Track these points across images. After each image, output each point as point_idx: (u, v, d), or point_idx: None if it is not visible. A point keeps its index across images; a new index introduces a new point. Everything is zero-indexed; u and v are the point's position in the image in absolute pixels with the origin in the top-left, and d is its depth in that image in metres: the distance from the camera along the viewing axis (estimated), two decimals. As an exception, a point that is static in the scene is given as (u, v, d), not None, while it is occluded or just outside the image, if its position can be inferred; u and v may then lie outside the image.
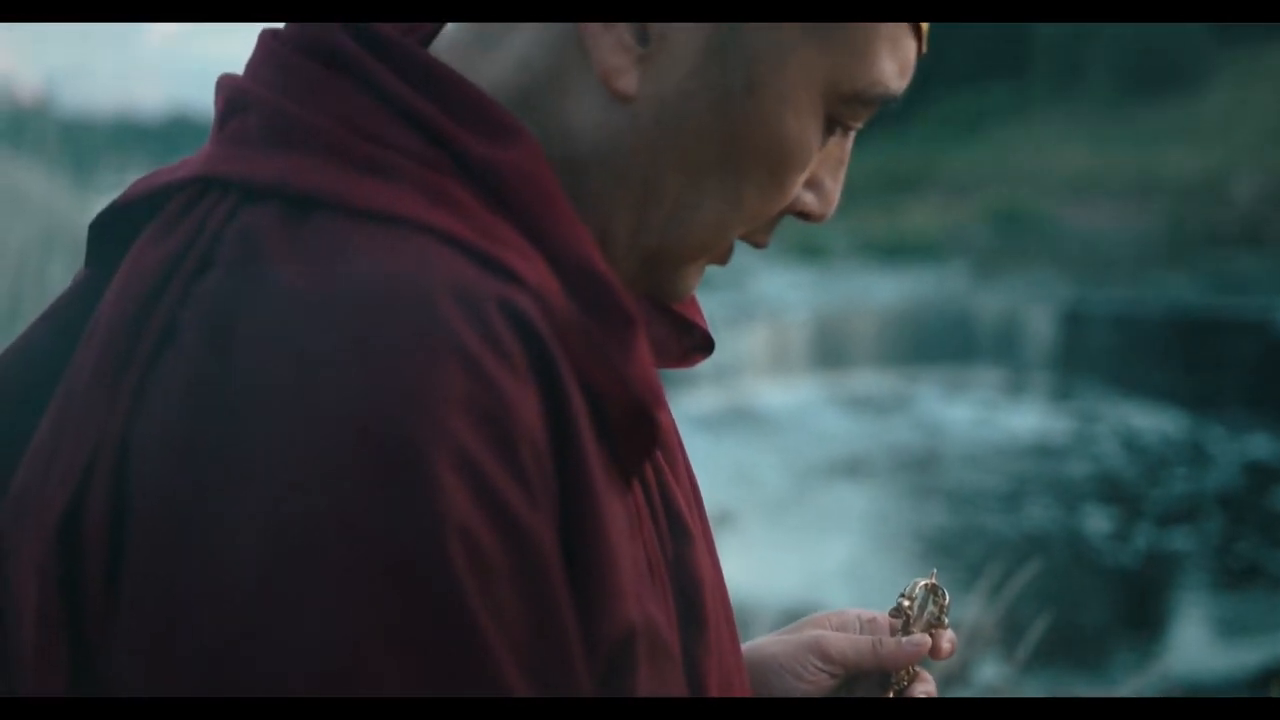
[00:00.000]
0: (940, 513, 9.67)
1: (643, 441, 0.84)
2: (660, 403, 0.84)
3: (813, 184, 0.93)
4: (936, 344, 17.19)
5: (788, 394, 13.30)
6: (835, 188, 0.94)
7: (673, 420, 1.02)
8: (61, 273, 4.81)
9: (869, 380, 14.21)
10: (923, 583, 1.13)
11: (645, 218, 0.89)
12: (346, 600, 0.71)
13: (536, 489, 0.75)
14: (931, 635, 1.11)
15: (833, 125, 0.90)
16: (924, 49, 0.92)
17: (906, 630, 1.12)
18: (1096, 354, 17.19)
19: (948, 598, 1.13)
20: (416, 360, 0.73)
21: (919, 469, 10.77)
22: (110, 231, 0.87)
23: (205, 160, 0.84)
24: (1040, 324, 18.78)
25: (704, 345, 1.02)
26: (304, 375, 0.72)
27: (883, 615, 1.13)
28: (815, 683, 1.09)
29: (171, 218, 0.82)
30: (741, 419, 12.10)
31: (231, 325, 0.75)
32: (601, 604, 0.78)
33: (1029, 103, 38.06)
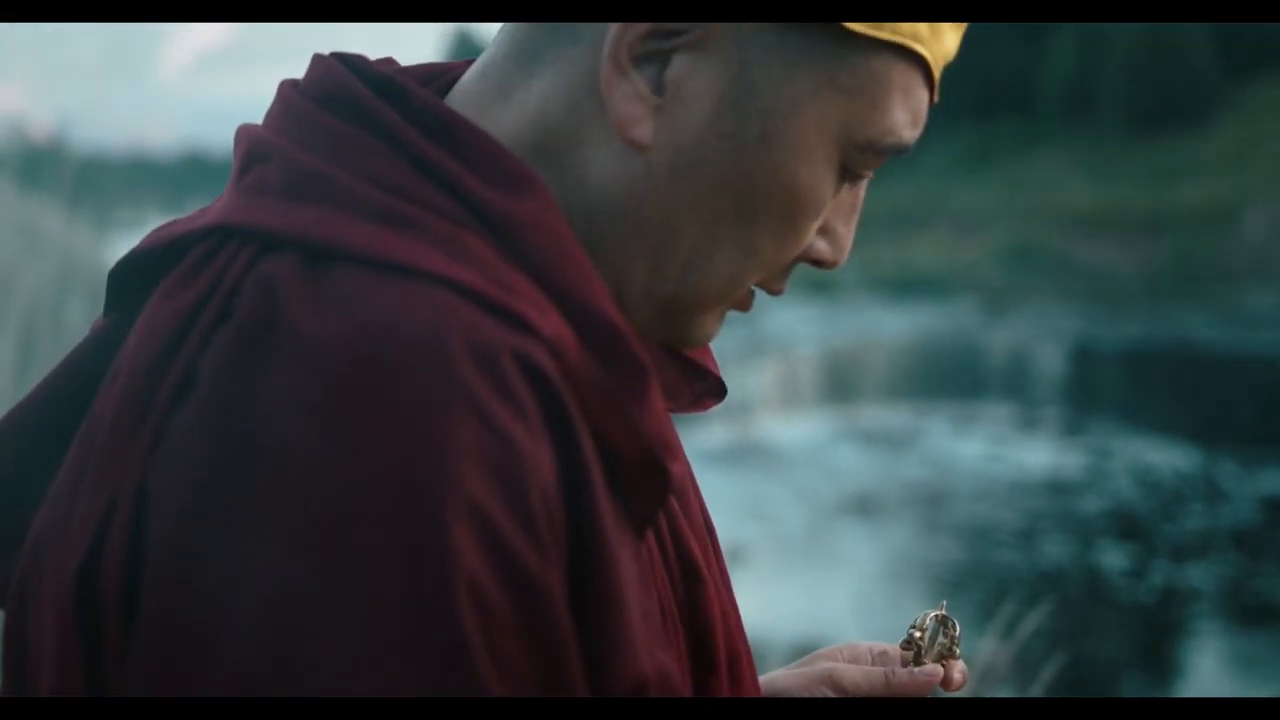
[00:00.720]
0: (952, 548, 9.64)
1: (655, 492, 0.84)
2: (672, 454, 0.85)
3: (826, 231, 0.93)
4: (946, 379, 17.17)
5: (798, 429, 13.29)
6: (848, 234, 0.95)
7: (687, 463, 1.03)
8: (78, 310, 4.82)
9: (879, 415, 14.19)
10: (933, 614, 1.13)
11: (661, 266, 0.89)
12: (354, 648, 0.72)
13: (546, 541, 0.75)
14: (943, 666, 1.12)
15: (846, 173, 0.91)
16: (936, 99, 0.93)
17: (918, 661, 1.12)
18: (1107, 389, 17.16)
19: (958, 629, 1.13)
20: (430, 412, 0.73)
21: (930, 504, 10.75)
22: (129, 279, 0.88)
23: (224, 210, 0.84)
24: (1050, 359, 18.76)
25: (716, 391, 1.03)
26: (318, 426, 0.73)
27: (894, 648, 1.13)
28: None
29: (191, 268, 0.83)
30: (752, 454, 12.08)
31: (249, 375, 0.76)
32: (613, 656, 0.78)
33: (1038, 138, 38.11)
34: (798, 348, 19.31)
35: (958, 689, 1.13)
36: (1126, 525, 10.16)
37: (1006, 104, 39.79)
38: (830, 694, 1.08)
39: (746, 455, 11.96)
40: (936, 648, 1.12)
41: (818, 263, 0.95)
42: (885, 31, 0.86)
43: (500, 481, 0.74)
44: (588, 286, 0.83)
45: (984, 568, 9.11)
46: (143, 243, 0.88)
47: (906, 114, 0.89)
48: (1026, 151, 37.60)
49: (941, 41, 0.90)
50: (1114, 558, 9.30)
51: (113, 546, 0.77)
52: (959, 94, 39.55)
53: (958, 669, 1.12)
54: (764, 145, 0.87)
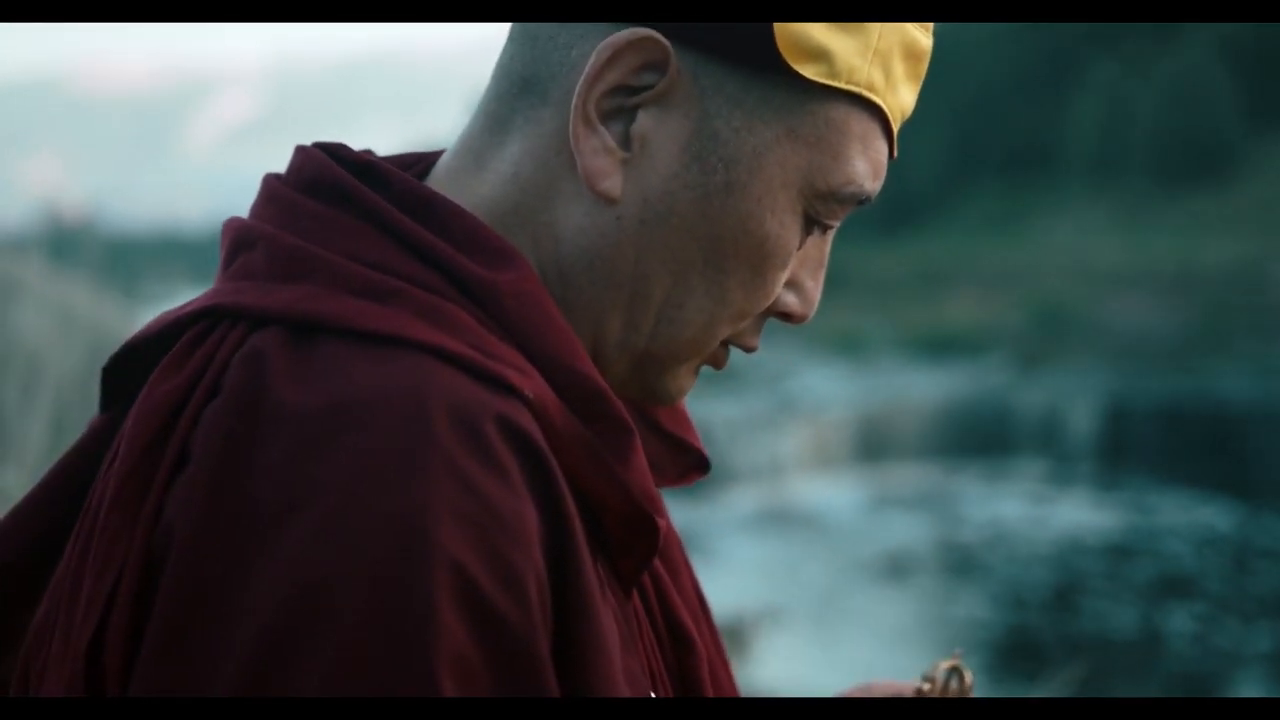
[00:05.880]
0: (991, 609, 9.57)
1: (643, 548, 0.87)
2: (659, 509, 0.87)
3: (794, 284, 0.96)
4: (979, 439, 17.10)
5: (831, 491, 13.24)
6: (815, 288, 0.97)
7: (677, 536, 1.05)
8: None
9: (912, 476, 14.14)
10: (945, 664, 1.15)
11: (634, 319, 0.92)
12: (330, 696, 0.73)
13: (532, 600, 0.77)
14: None
15: (811, 224, 0.93)
16: (894, 153, 0.96)
17: None
18: (1140, 446, 17.07)
19: (970, 677, 1.14)
20: (409, 475, 0.75)
21: (967, 565, 10.68)
22: (123, 372, 0.90)
23: (213, 294, 0.87)
24: (1082, 417, 18.67)
25: (700, 465, 1.05)
26: (302, 493, 0.76)
27: (909, 686, 1.15)
28: None
29: (183, 351, 0.85)
30: (785, 517, 12.04)
31: (237, 446, 0.78)
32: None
33: (1065, 196, 38.14)
34: (828, 410, 19.26)
35: None
36: (1168, 583, 10.07)
37: (1034, 163, 39.86)
38: None
39: (779, 519, 11.92)
40: (949, 697, 1.13)
41: (786, 316, 0.97)
42: (841, 81, 0.89)
43: (481, 542, 0.75)
44: (569, 350, 0.86)
45: (1024, 628, 9.03)
46: (134, 335, 0.90)
47: (866, 164, 0.92)
48: (1054, 210, 37.62)
49: (897, 94, 0.93)
50: (1157, 616, 9.21)
51: (117, 622, 0.79)
52: (986, 154, 39.64)
53: None
54: (729, 195, 0.89)
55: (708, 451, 1.06)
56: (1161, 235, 32.46)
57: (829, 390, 20.59)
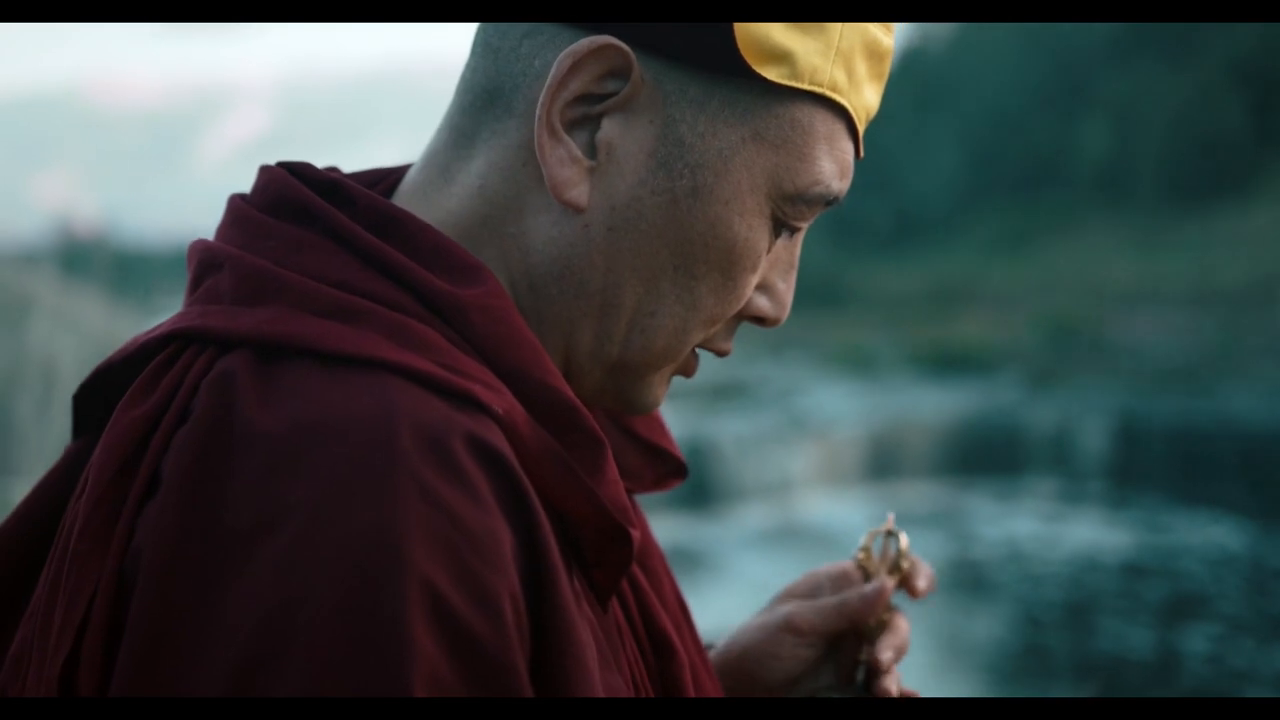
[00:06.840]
0: (1004, 629, 9.54)
1: (617, 559, 0.87)
2: (631, 521, 0.87)
3: (765, 287, 0.96)
4: (990, 457, 17.06)
5: (841, 508, 13.22)
6: (788, 291, 0.97)
7: (658, 547, 1.05)
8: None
9: (922, 494, 14.10)
10: (878, 530, 1.17)
11: (606, 327, 0.92)
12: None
13: (507, 617, 0.77)
14: (902, 576, 1.15)
15: (780, 226, 0.93)
16: (860, 153, 0.95)
17: (869, 580, 1.15)
18: (1151, 465, 17.02)
19: (905, 539, 1.17)
20: (376, 496, 0.75)
21: (978, 583, 10.65)
22: (94, 397, 0.90)
23: (180, 318, 0.87)
24: (1094, 435, 18.64)
25: (678, 471, 1.05)
26: (274, 518, 0.75)
27: (853, 566, 1.17)
28: (796, 657, 1.12)
29: (151, 376, 0.85)
30: (795, 534, 12.02)
31: (208, 470, 0.78)
32: None
33: (1077, 214, 38.10)
34: (839, 427, 19.23)
35: (925, 596, 1.17)
36: (1182, 602, 10.04)
37: (1045, 181, 39.82)
38: (792, 639, 1.12)
39: (789, 536, 11.90)
40: (887, 562, 1.16)
41: (759, 320, 0.97)
42: (804, 82, 0.89)
43: (452, 561, 0.75)
44: (537, 364, 0.86)
45: (1038, 646, 9.01)
46: (103, 361, 0.90)
47: (833, 164, 0.92)
48: (1066, 228, 37.57)
49: (861, 93, 0.92)
50: (1171, 635, 9.18)
51: (90, 648, 0.79)
52: (998, 172, 39.60)
53: (923, 576, 1.18)
54: (696, 199, 0.89)
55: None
56: (1173, 254, 32.42)
57: (839, 407, 20.55)
